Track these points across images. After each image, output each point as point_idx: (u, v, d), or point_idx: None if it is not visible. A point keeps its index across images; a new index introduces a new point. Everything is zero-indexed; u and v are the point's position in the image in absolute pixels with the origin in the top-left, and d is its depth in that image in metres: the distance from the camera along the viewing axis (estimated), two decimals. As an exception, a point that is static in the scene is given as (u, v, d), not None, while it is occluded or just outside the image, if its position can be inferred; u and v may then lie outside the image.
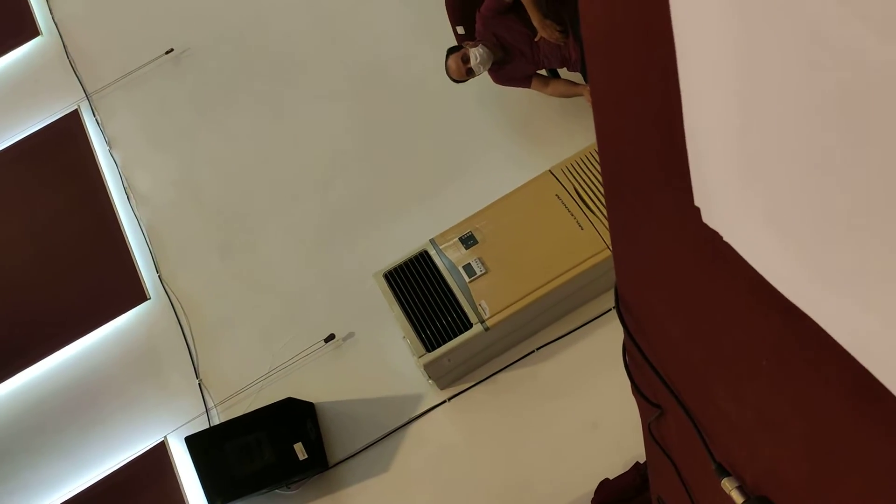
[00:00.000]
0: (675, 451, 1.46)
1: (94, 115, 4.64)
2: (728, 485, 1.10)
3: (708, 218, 0.67)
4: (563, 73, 3.66)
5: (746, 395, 0.92)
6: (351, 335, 3.62)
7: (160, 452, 3.59)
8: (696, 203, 0.66)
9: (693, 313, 0.93)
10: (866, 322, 0.49)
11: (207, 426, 3.52)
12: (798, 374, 0.75)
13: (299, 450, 3.17)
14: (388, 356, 3.50)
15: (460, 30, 3.62)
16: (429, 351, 3.11)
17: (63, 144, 4.62)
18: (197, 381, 3.70)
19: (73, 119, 4.66)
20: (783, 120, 0.47)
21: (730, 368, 0.92)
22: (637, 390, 1.41)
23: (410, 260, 3.29)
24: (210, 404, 3.64)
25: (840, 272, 0.49)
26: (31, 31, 5.10)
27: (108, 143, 4.52)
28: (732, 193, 0.60)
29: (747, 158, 0.54)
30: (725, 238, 0.66)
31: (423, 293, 3.20)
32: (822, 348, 0.65)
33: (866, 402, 0.64)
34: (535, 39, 3.40)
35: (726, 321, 0.83)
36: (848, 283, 0.49)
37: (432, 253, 3.28)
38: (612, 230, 1.02)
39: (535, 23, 3.31)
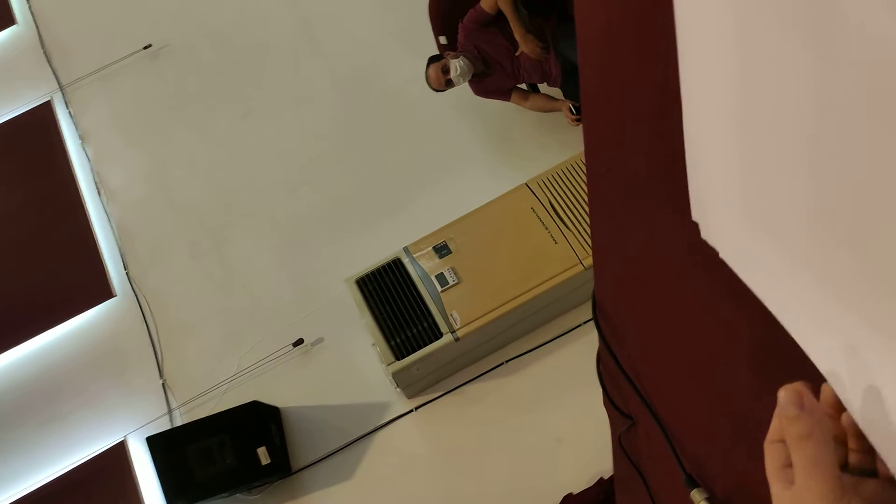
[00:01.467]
0: (645, 463, 1.46)
1: (67, 108, 4.56)
2: (697, 496, 1.10)
3: (706, 234, 0.66)
4: (543, 87, 3.69)
5: (722, 406, 0.93)
6: (320, 340, 3.59)
7: (119, 452, 3.52)
8: (694, 218, 0.66)
9: (672, 321, 0.93)
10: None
11: (169, 427, 3.46)
12: (778, 385, 0.76)
13: (262, 454, 3.13)
14: (357, 363, 3.48)
15: (442, 40, 3.63)
16: (398, 359, 3.10)
17: (34, 135, 4.54)
18: (161, 381, 3.64)
19: (46, 110, 4.59)
20: (794, 125, 0.45)
21: (707, 378, 0.92)
22: (609, 401, 1.42)
23: (383, 267, 3.27)
24: (173, 405, 3.58)
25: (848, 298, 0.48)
26: (6, 19, 5.02)
27: (80, 136, 4.45)
28: (734, 211, 0.59)
29: (751, 171, 0.53)
30: (722, 256, 0.65)
31: (394, 301, 3.19)
32: (804, 360, 0.66)
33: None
34: (517, 54, 3.42)
35: (707, 329, 0.84)
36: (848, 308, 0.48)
37: (405, 261, 3.27)
38: (594, 235, 1.02)
39: (517, 37, 3.34)
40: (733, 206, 0.58)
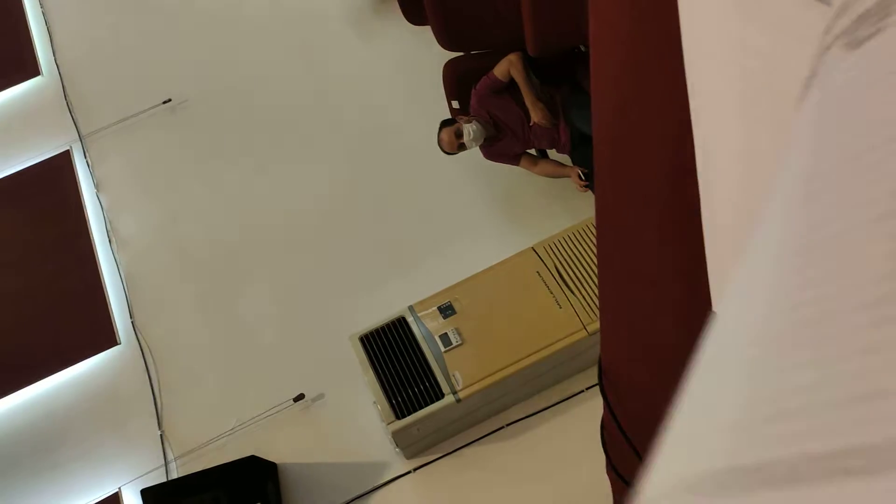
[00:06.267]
0: (647, 534, 1.45)
1: (85, 157, 4.65)
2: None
3: None
4: (552, 153, 3.76)
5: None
6: (321, 396, 3.58)
7: (113, 504, 3.48)
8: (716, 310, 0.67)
9: (679, 390, 0.94)
10: None
11: (165, 480, 3.42)
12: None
13: (257, 511, 3.09)
14: (357, 420, 3.46)
15: (455, 104, 3.72)
16: (399, 418, 3.08)
17: (50, 183, 4.62)
18: (159, 432, 3.61)
19: (64, 159, 4.68)
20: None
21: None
22: (613, 469, 1.42)
23: (387, 325, 3.28)
24: (170, 457, 3.54)
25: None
26: (31, 69, 5.15)
27: (95, 185, 4.53)
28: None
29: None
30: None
31: (397, 359, 3.19)
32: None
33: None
34: (530, 124, 3.48)
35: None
36: None
37: (410, 320, 3.28)
38: (602, 304, 1.04)
39: (528, 104, 3.42)
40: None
